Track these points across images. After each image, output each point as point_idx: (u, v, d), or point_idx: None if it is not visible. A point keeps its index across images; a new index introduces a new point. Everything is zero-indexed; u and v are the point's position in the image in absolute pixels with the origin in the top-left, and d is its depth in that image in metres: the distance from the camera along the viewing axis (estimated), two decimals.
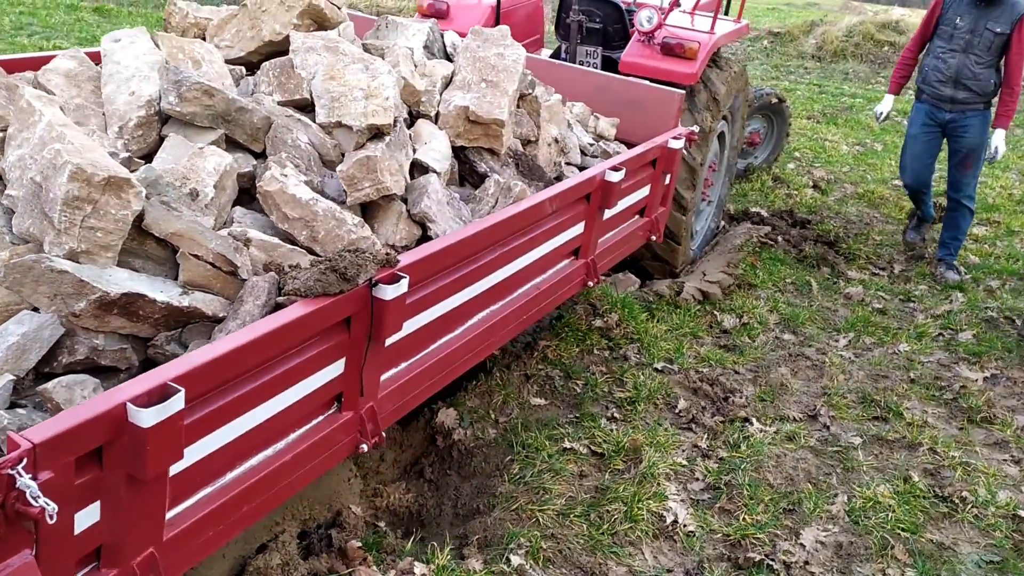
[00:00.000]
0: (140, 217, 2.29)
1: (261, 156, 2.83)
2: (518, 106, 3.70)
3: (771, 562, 3.23)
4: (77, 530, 1.69)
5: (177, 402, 1.71)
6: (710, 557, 3.28)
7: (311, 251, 2.51)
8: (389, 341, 2.53)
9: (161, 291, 2.22)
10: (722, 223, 7.06)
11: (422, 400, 2.83)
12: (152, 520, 1.86)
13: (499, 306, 3.20)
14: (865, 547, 3.40)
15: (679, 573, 3.19)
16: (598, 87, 4.79)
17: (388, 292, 2.30)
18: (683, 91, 4.61)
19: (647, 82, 4.75)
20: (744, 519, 3.47)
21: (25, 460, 1.48)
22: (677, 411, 4.28)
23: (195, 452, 1.94)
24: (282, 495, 2.31)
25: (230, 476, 2.14)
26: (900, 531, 3.50)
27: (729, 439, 4.05)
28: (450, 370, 2.93)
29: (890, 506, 3.63)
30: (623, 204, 4.04)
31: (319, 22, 3.26)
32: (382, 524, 3.13)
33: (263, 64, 3.01)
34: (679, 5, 5.83)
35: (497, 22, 6.15)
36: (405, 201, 2.94)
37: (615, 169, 3.64)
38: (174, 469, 1.89)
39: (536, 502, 3.39)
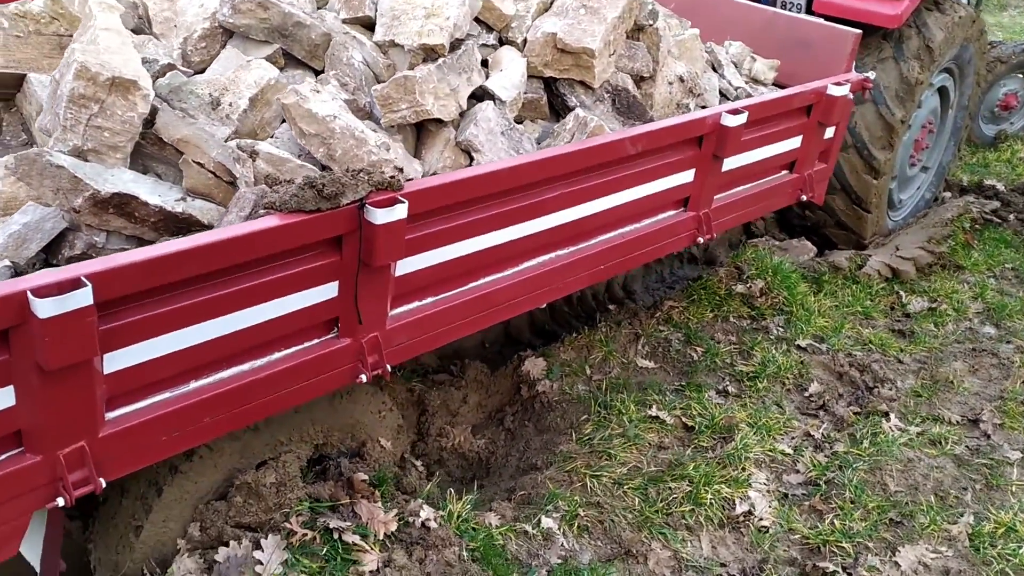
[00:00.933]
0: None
1: (322, 73, 2.78)
2: (633, 38, 3.37)
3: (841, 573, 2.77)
4: None
5: (82, 297, 1.70)
6: (777, 559, 2.88)
7: (327, 169, 2.42)
8: (400, 271, 2.40)
9: (159, 196, 2.24)
10: (943, 194, 6.15)
11: (451, 339, 2.68)
12: (81, 414, 1.89)
13: (567, 251, 2.96)
14: None
15: (734, 570, 2.82)
16: (764, 25, 4.28)
17: (378, 216, 2.16)
18: (858, 31, 3.99)
19: (819, 20, 4.16)
20: (834, 523, 3.01)
21: None
22: (807, 394, 3.80)
23: (136, 354, 1.94)
24: (262, 410, 2.27)
25: (193, 384, 2.13)
26: None
27: (855, 433, 3.53)
28: (491, 312, 2.74)
29: None
30: (755, 155, 3.59)
31: None
32: (418, 463, 3.04)
33: None
34: None
35: None
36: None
37: (734, 112, 3.23)
38: (109, 366, 1.90)
39: (593, 467, 3.15)
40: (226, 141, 2.37)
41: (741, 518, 3.01)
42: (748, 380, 3.83)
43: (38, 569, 2.18)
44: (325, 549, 2.45)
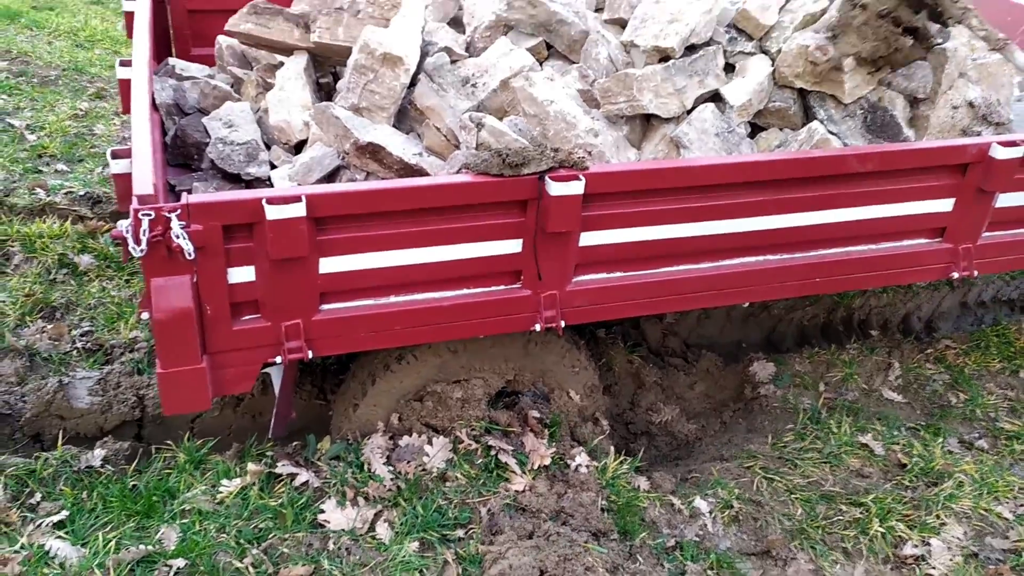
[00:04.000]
0: None
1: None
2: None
3: None
4: (231, 280, 2.46)
5: (298, 208, 2.34)
6: None
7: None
8: (584, 243, 2.74)
9: (403, 149, 2.84)
10: None
11: (628, 315, 2.95)
12: (303, 298, 2.54)
13: (775, 257, 3.03)
14: None
15: None
16: None
17: (554, 188, 2.53)
18: None
19: None
20: None
21: (179, 211, 2.27)
22: None
23: (344, 263, 2.55)
24: (446, 333, 2.77)
25: (393, 299, 2.69)
26: None
27: None
28: (671, 299, 2.95)
29: None
30: None
31: None
32: (604, 422, 3.33)
33: None
34: None
35: None
36: None
37: (1008, 144, 2.99)
38: (323, 268, 2.53)
39: (771, 470, 3.20)
40: (464, 113, 2.89)
41: (910, 560, 2.87)
42: (1006, 439, 3.50)
43: (274, 407, 2.94)
44: (482, 461, 2.91)
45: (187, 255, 2.28)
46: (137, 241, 2.22)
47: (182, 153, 3.11)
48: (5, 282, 3.80)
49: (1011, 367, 3.93)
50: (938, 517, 3.03)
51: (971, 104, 3.33)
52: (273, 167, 3.09)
